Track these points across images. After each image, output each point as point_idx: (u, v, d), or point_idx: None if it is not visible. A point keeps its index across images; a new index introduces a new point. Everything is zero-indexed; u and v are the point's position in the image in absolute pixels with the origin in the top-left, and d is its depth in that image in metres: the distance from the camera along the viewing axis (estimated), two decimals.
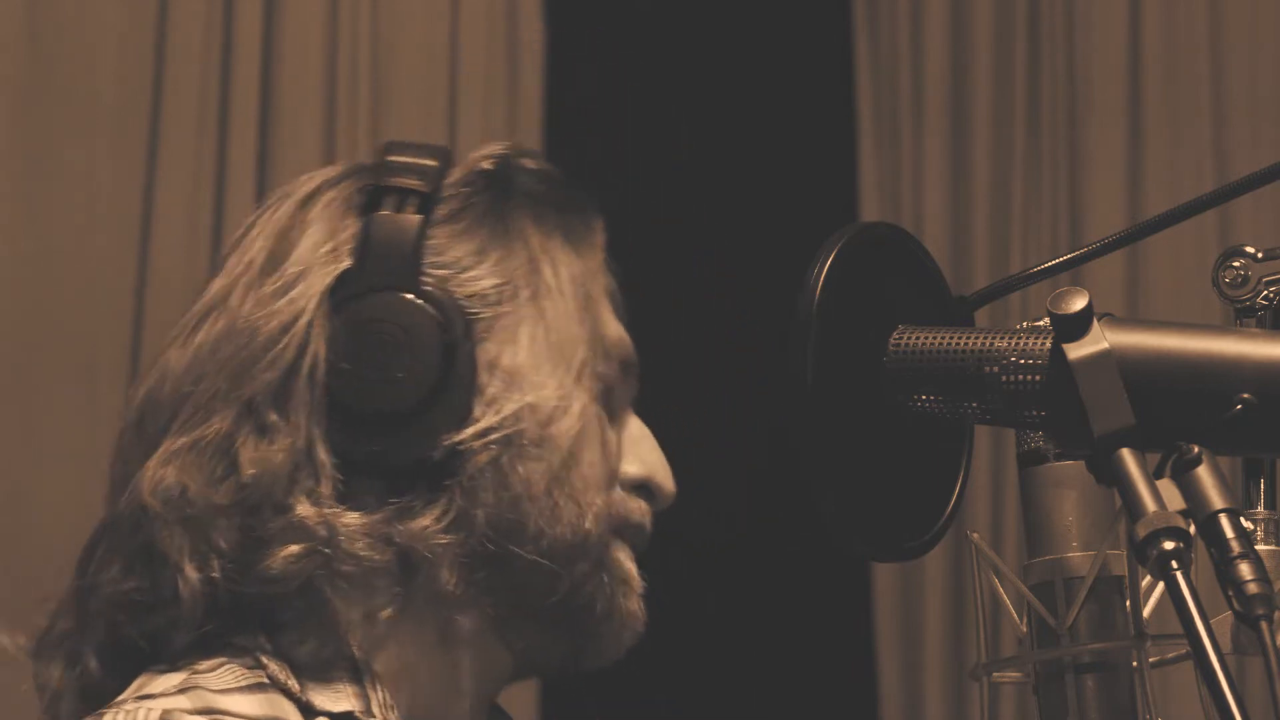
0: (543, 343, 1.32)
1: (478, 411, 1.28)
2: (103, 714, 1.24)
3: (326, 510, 1.26)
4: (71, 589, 1.31)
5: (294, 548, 1.24)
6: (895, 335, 1.35)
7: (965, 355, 1.31)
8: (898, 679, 3.73)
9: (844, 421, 1.33)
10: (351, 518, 1.26)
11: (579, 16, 3.79)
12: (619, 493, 1.36)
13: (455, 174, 1.34)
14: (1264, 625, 1.13)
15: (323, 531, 1.25)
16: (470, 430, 1.27)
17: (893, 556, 1.41)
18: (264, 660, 1.26)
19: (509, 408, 1.29)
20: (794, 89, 3.93)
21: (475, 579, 1.30)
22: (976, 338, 1.32)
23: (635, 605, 1.36)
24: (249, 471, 1.25)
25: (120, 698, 1.26)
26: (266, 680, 1.26)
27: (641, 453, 1.38)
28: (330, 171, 1.36)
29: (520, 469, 1.29)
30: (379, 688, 1.28)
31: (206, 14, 3.51)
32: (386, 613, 1.28)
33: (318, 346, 1.27)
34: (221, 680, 1.25)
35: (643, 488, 1.38)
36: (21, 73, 3.35)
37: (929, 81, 3.89)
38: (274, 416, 1.26)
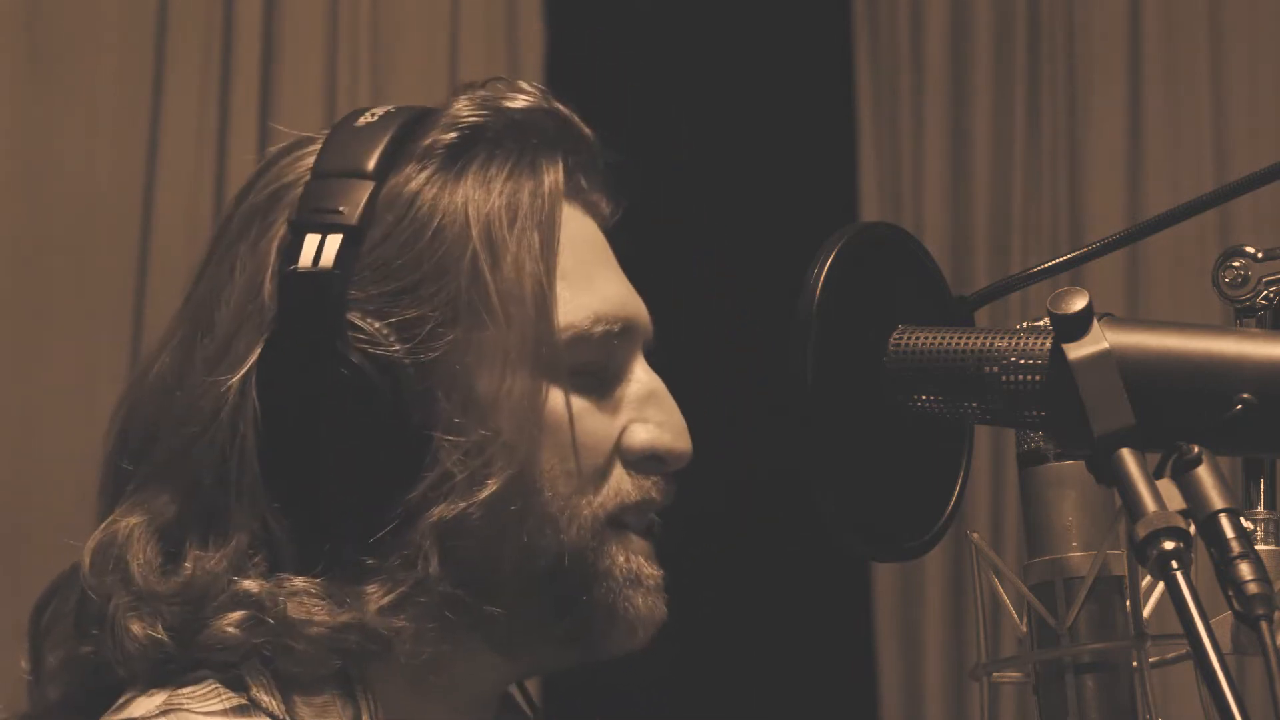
0: (494, 358, 1.27)
1: (426, 464, 1.24)
2: None
3: (269, 582, 1.24)
4: (29, 644, 1.31)
5: (233, 615, 1.23)
6: (895, 335, 1.35)
7: (965, 355, 1.31)
8: (898, 679, 3.73)
9: (844, 421, 1.33)
10: (300, 583, 1.24)
11: (579, 16, 3.78)
12: (615, 476, 1.32)
13: (389, 188, 1.27)
14: (1264, 625, 1.12)
15: (262, 596, 1.23)
16: (420, 488, 1.24)
17: (893, 556, 1.40)
18: (248, 680, 1.25)
19: (459, 451, 1.25)
20: (794, 89, 3.93)
21: (458, 622, 1.27)
22: (976, 338, 1.32)
23: (646, 601, 1.33)
24: (194, 574, 1.24)
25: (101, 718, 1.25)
26: (248, 702, 1.24)
27: (647, 413, 1.34)
28: (274, 184, 1.31)
29: (482, 512, 1.25)
30: (371, 699, 1.26)
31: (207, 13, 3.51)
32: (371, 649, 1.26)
33: (247, 430, 1.24)
34: (205, 704, 1.23)
35: (650, 458, 1.34)
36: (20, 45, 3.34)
37: (929, 81, 3.89)
38: (219, 499, 1.25)
